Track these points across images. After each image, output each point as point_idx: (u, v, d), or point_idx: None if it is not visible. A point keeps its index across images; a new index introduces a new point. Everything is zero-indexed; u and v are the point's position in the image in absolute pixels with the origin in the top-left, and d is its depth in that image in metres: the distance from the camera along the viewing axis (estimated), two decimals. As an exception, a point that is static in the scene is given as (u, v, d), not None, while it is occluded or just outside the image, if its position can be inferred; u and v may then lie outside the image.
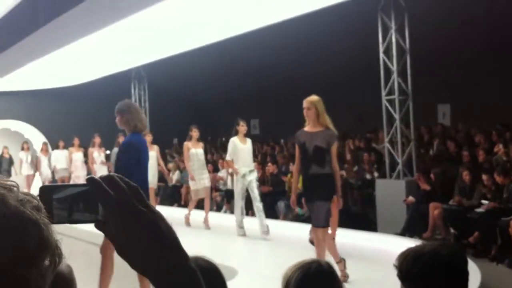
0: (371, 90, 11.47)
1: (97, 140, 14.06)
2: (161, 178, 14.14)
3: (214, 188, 13.21)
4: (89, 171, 14.91)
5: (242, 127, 9.75)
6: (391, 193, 10.18)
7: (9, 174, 17.98)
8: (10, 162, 18.47)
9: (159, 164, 11.95)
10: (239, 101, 17.93)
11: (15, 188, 0.90)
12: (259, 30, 11.33)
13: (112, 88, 17.84)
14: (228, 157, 9.80)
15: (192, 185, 10.93)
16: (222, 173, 13.92)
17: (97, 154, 14.19)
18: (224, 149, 12.96)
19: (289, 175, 11.27)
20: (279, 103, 16.29)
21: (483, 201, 8.75)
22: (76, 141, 15.64)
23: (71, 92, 18.74)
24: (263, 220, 9.35)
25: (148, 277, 0.91)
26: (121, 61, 15.24)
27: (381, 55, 10.53)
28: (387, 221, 9.93)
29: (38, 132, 19.84)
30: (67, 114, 19.31)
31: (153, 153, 11.41)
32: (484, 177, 8.83)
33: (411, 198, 9.92)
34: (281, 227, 9.79)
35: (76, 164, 15.33)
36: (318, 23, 11.46)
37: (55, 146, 17.34)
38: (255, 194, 9.47)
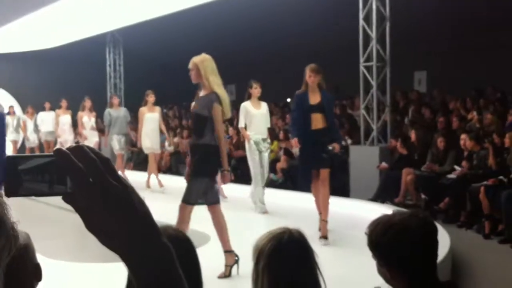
0: (349, 57, 11.46)
1: (88, 103, 13.16)
2: (132, 143, 14.23)
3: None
4: (76, 136, 14.44)
5: (256, 90, 8.77)
6: (364, 159, 10.27)
7: None
8: None
9: (161, 129, 11.83)
10: (218, 66, 17.78)
11: None
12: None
13: (87, 52, 17.60)
14: (241, 124, 8.90)
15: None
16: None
17: (87, 119, 13.29)
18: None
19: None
20: (255, 68, 16.20)
21: (456, 167, 8.87)
22: (64, 103, 14.64)
23: (45, 55, 18.44)
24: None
25: (119, 254, 0.86)
26: (96, 24, 15.00)
27: (361, 22, 10.51)
28: (360, 187, 10.04)
29: (9, 95, 19.51)
30: (40, 78, 19.03)
31: (156, 115, 11.50)
32: (462, 136, 8.92)
33: (384, 164, 10.02)
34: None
35: (63, 128, 14.43)
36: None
37: (26, 111, 16.98)
38: (265, 167, 8.80)
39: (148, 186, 11.60)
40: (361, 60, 10.57)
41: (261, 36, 15.76)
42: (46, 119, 15.60)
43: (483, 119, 10.02)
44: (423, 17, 13.07)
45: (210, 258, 4.91)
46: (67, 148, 0.84)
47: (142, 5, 12.69)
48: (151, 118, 11.33)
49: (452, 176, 8.76)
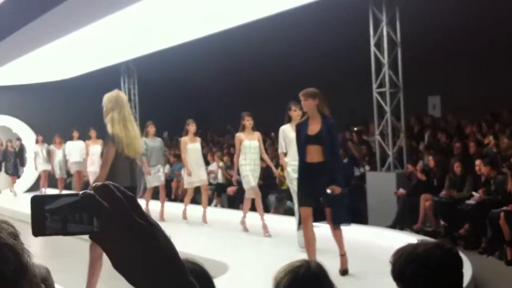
0: (362, 83, 11.47)
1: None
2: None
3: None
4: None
5: (295, 113, 7.81)
6: (381, 185, 10.20)
7: (16, 169, 17.72)
8: (16, 156, 17.78)
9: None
10: (230, 94, 17.89)
11: None
12: (250, 23, 11.29)
13: (101, 83, 17.75)
14: (280, 149, 8.23)
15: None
16: (212, 167, 13.85)
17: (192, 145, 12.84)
18: (214, 143, 12.91)
19: (279, 169, 11.27)
20: (270, 95, 16.25)
21: (474, 193, 8.78)
22: (93, 133, 13.94)
23: (60, 86, 18.62)
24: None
25: None
26: (111, 55, 15.17)
27: (372, 48, 10.54)
28: (378, 213, 9.95)
29: (26, 126, 19.69)
30: (55, 108, 19.17)
31: (198, 145, 10.78)
32: (477, 162, 8.85)
33: (401, 191, 9.94)
34: (271, 221, 9.79)
35: (93, 159, 13.58)
36: (309, 16, 11.44)
37: (36, 141, 16.77)
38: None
39: (185, 217, 10.90)
40: (374, 86, 10.58)
41: (274, 64, 15.83)
42: (74, 149, 15.13)
43: (499, 143, 9.94)
44: (435, 41, 13.08)
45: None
46: (93, 187, 0.85)
47: (155, 36, 12.82)
48: (193, 148, 10.58)
49: (471, 202, 8.67)
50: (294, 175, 7.22)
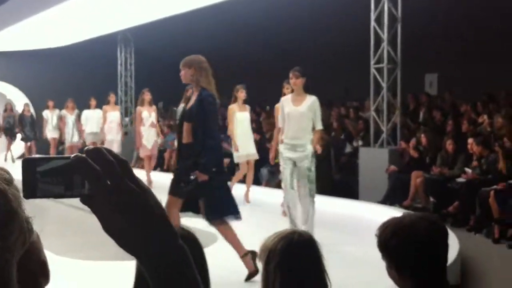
0: (360, 58, 11.44)
1: (147, 96, 11.43)
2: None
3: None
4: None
5: (299, 80, 6.91)
6: (374, 161, 10.24)
7: (33, 134, 17.03)
8: (33, 121, 17.06)
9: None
10: (224, 65, 17.79)
11: None
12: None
13: (98, 51, 17.68)
14: (278, 124, 7.63)
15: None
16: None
17: (147, 114, 11.42)
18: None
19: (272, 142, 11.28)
20: (265, 69, 16.20)
21: (466, 169, 8.81)
22: (113, 97, 13.03)
23: (56, 54, 18.53)
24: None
25: (136, 256, 0.87)
26: (107, 23, 15.06)
27: (372, 23, 10.48)
28: (369, 189, 10.01)
29: (21, 93, 19.62)
30: (52, 76, 19.09)
31: (247, 115, 9.72)
32: (469, 140, 8.88)
33: (393, 167, 9.98)
34: (263, 194, 9.85)
35: (111, 126, 12.74)
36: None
37: (46, 107, 16.11)
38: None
39: (247, 200, 9.63)
40: (372, 62, 10.55)
41: (270, 37, 15.76)
42: (91, 118, 13.95)
43: (493, 123, 9.96)
44: (435, 19, 13.03)
45: (217, 258, 4.91)
46: (85, 151, 0.85)
47: (153, 5, 12.72)
48: (243, 118, 9.46)
49: (461, 179, 8.72)
50: (287, 155, 6.70)
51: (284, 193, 6.90)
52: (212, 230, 7.00)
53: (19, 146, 18.04)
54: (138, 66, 18.16)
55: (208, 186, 5.27)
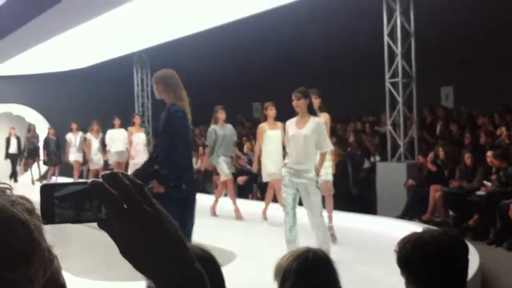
0: (375, 73, 11.44)
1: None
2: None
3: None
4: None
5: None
6: (392, 176, 10.20)
7: (58, 158, 16.78)
8: (58, 145, 16.78)
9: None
10: (241, 84, 17.90)
11: (8, 191, 0.90)
12: (262, 13, 11.28)
13: (114, 72, 17.88)
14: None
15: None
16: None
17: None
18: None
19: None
20: (281, 86, 16.24)
21: (486, 182, 8.74)
22: (138, 119, 12.67)
23: (74, 76, 18.75)
24: None
25: (153, 280, 0.88)
26: (124, 45, 15.24)
27: (386, 38, 10.51)
28: (387, 204, 9.95)
29: (40, 116, 19.86)
30: (70, 98, 19.31)
31: (278, 133, 9.09)
32: (488, 153, 8.82)
33: (411, 181, 9.93)
34: (281, 210, 9.80)
35: (137, 149, 12.31)
36: (323, 6, 11.42)
37: (69, 130, 15.69)
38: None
39: (265, 218, 9.55)
40: (387, 76, 10.55)
41: (285, 55, 15.81)
42: (116, 138, 13.56)
43: (511, 135, 9.89)
44: (449, 31, 13.00)
45: (235, 277, 4.92)
46: (102, 175, 0.87)
47: (168, 26, 12.86)
48: (273, 136, 9.08)
49: (480, 193, 8.64)
50: (290, 179, 6.42)
51: (285, 216, 6.53)
52: (230, 248, 7.03)
53: (37, 167, 18.11)
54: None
55: (161, 200, 5.19)
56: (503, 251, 7.78)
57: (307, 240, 6.22)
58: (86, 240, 8.23)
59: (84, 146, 15.16)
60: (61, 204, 0.86)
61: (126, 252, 0.87)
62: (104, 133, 14.47)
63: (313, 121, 6.37)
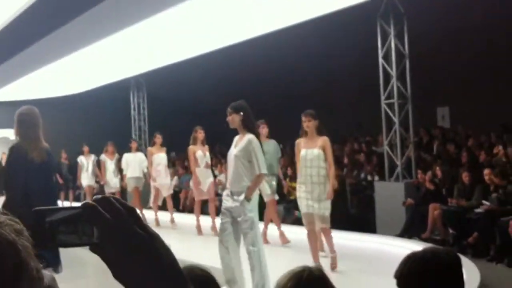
0: (370, 95, 11.52)
1: (200, 134, 10.41)
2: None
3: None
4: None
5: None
6: (390, 195, 10.21)
7: (69, 181, 16.38)
8: (70, 169, 16.25)
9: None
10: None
11: None
12: (258, 37, 11.38)
13: (111, 97, 17.94)
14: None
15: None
16: (221, 177, 13.55)
17: (201, 154, 10.35)
18: (223, 156, 12.73)
19: (287, 179, 11.29)
20: (278, 108, 16.32)
21: (484, 202, 8.76)
22: (159, 138, 11.61)
23: (71, 101, 18.79)
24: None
25: None
26: (120, 70, 15.29)
27: (380, 60, 10.61)
28: (386, 223, 9.96)
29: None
30: (67, 123, 19.31)
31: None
32: (485, 171, 8.86)
33: (410, 200, 9.95)
34: (274, 229, 9.78)
35: (158, 169, 11.61)
36: (318, 29, 11.50)
37: (81, 152, 14.87)
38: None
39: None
40: (382, 98, 10.63)
41: (282, 77, 15.92)
42: (132, 162, 12.64)
43: (508, 153, 9.94)
44: (443, 52, 13.13)
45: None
46: (94, 200, 0.88)
47: (164, 50, 12.94)
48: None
49: (479, 210, 8.66)
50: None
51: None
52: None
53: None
54: (151, 111, 18.36)
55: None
56: (503, 268, 7.77)
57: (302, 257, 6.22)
58: (79, 263, 8.20)
59: (98, 170, 14.26)
60: (53, 229, 0.86)
61: (119, 275, 0.87)
62: (97, 156, 14.30)
63: (246, 138, 5.79)
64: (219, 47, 12.27)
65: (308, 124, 6.94)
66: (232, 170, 5.82)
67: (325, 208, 6.94)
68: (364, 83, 13.03)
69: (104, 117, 19.09)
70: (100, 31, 10.81)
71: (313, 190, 6.94)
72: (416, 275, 2.02)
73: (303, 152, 7.05)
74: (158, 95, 18.13)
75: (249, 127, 5.84)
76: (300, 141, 7.18)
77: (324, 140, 7.01)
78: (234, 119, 5.86)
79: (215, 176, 12.01)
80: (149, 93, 18.38)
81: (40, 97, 18.88)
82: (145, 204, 13.19)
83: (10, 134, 20.07)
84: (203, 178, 10.35)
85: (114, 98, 18.13)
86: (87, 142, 15.40)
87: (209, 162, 10.61)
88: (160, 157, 11.65)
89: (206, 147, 10.54)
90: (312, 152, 6.97)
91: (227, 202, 5.82)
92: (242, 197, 5.69)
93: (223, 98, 18.56)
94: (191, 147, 10.30)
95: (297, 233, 9.04)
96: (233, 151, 5.83)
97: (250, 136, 5.75)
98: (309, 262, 6.28)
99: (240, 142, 5.81)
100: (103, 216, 0.86)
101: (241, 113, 5.87)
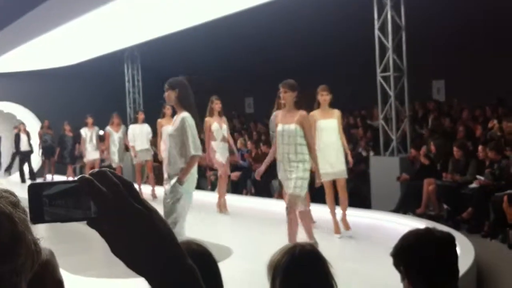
0: (366, 67, 11.43)
1: (217, 105, 9.89)
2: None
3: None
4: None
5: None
6: (385, 170, 10.20)
7: (72, 156, 16.13)
8: (75, 142, 15.70)
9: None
10: (233, 79, 17.87)
11: None
12: (253, 8, 11.24)
13: (105, 69, 17.80)
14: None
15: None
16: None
17: (217, 126, 9.81)
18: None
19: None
20: (273, 81, 16.24)
21: (479, 177, 8.75)
22: (168, 110, 10.75)
23: (64, 73, 18.66)
24: None
25: (145, 277, 0.88)
26: (114, 41, 15.16)
27: (376, 32, 10.49)
28: (381, 198, 9.96)
29: (31, 114, 19.74)
30: (60, 95, 19.22)
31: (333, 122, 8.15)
32: (479, 148, 8.85)
33: (404, 176, 9.93)
34: (275, 206, 9.80)
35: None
36: (313, 1, 11.38)
37: (84, 124, 14.16)
38: None
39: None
40: (378, 70, 10.54)
41: (277, 49, 15.79)
42: (139, 134, 12.22)
43: (503, 127, 9.91)
44: (440, 25, 13.01)
45: (231, 272, 4.89)
46: (90, 173, 0.86)
47: (158, 21, 12.80)
48: (328, 126, 7.88)
49: (474, 185, 8.66)
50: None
51: None
52: (227, 244, 7.02)
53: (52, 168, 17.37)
54: (145, 83, 18.25)
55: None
56: (497, 243, 7.81)
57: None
58: (83, 237, 8.21)
59: (103, 142, 13.69)
60: (50, 203, 0.85)
61: (117, 250, 0.87)
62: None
63: (180, 116, 5.57)
64: (214, 17, 12.13)
65: (284, 95, 6.25)
66: (167, 151, 5.57)
67: (301, 187, 6.28)
68: (359, 55, 12.93)
69: (98, 89, 18.97)
70: (94, 1, 10.67)
71: (292, 169, 6.27)
72: (411, 254, 2.06)
73: (279, 127, 6.37)
74: (152, 67, 18.00)
75: (185, 104, 5.56)
76: (278, 114, 6.56)
77: (302, 115, 6.28)
78: (169, 96, 5.64)
79: (232, 152, 10.90)
80: (144, 65, 18.25)
81: (33, 68, 18.75)
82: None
83: (2, 107, 19.97)
84: (220, 153, 9.76)
85: (108, 70, 18.00)
86: (82, 114, 15.14)
87: (226, 135, 9.88)
88: (170, 128, 11.16)
89: (224, 118, 9.94)
90: (289, 128, 6.28)
91: (167, 186, 5.53)
92: (174, 180, 5.39)
93: (218, 70, 18.51)
94: (207, 119, 9.66)
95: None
96: (169, 129, 5.56)
97: (184, 114, 5.48)
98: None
99: (175, 121, 5.57)
100: (100, 190, 0.84)
101: (177, 90, 5.61)
